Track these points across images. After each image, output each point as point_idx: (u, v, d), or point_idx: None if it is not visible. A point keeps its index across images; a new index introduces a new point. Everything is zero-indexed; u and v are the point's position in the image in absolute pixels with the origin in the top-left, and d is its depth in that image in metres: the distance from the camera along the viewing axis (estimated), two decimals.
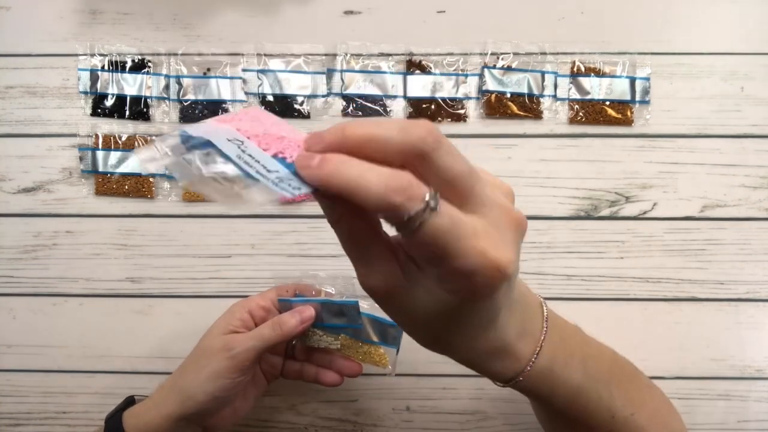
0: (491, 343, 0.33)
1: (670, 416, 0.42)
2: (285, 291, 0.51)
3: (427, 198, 0.25)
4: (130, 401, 0.49)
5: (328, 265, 0.57)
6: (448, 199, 0.27)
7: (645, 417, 0.39)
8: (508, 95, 0.58)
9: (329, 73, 0.58)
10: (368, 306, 0.50)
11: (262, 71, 0.58)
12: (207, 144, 0.29)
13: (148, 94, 0.58)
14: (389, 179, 0.25)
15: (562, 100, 0.58)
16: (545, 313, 0.37)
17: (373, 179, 0.25)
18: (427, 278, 0.29)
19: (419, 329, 0.32)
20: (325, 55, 0.58)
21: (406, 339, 0.58)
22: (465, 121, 0.58)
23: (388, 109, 0.58)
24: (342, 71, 0.58)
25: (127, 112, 0.58)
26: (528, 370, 0.35)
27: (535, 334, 0.35)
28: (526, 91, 0.58)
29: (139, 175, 0.58)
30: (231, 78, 0.58)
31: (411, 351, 0.57)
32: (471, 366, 0.35)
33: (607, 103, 0.58)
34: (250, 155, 0.29)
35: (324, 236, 0.57)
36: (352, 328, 0.49)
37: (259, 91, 0.58)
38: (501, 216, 0.28)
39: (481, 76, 0.58)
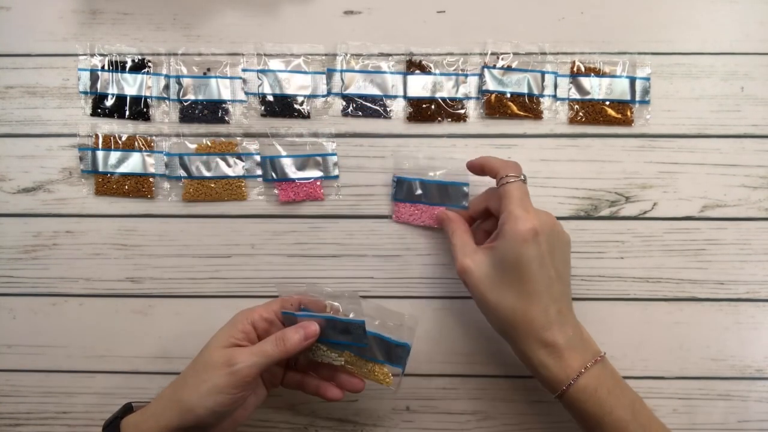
0: (537, 325, 0.45)
1: None
2: (289, 304, 0.50)
3: (522, 175, 0.49)
4: (127, 408, 0.49)
5: (327, 265, 0.57)
6: None
7: None
8: (508, 95, 0.58)
9: (329, 73, 0.58)
10: (375, 325, 0.50)
11: (262, 71, 0.58)
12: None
13: (148, 94, 0.58)
14: (506, 164, 0.51)
15: (562, 100, 0.58)
16: (600, 356, 0.46)
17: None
18: (487, 251, 0.48)
19: (488, 295, 0.47)
20: (325, 55, 0.58)
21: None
22: (465, 121, 0.58)
23: (388, 109, 0.58)
24: (342, 71, 0.58)
25: (127, 112, 0.58)
26: (573, 382, 0.44)
27: (584, 356, 0.45)
28: (526, 91, 0.58)
29: (139, 175, 0.58)
30: (231, 78, 0.58)
31: (411, 351, 0.57)
32: (526, 358, 0.46)
33: (607, 103, 0.58)
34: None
35: (324, 236, 0.57)
36: (356, 346, 0.49)
37: (259, 91, 0.58)
38: (546, 213, 0.49)
39: (481, 76, 0.58)
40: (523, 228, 0.45)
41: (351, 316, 0.49)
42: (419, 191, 0.57)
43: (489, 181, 0.52)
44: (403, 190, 0.57)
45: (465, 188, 0.56)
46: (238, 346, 0.46)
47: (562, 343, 0.45)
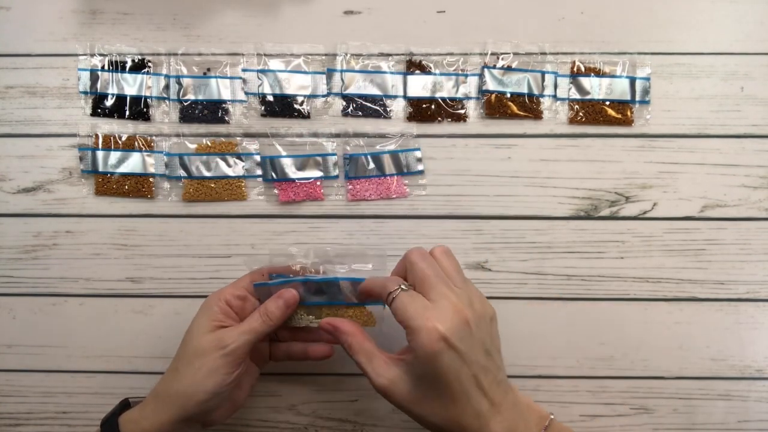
0: (473, 429, 0.42)
1: None
2: (260, 275, 0.50)
3: (403, 285, 0.44)
4: (125, 405, 0.49)
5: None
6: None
7: None
8: (508, 95, 0.58)
9: (329, 73, 0.58)
10: (345, 270, 0.50)
11: (262, 71, 0.58)
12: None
13: (148, 94, 0.58)
14: (385, 282, 0.45)
15: (562, 100, 0.58)
16: (546, 424, 0.45)
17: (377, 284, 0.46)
18: (402, 365, 0.43)
19: (416, 410, 0.43)
20: (325, 55, 0.58)
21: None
22: (465, 121, 0.58)
23: (388, 109, 0.58)
24: (342, 71, 0.58)
25: (127, 112, 0.58)
26: None
27: (531, 430, 0.44)
28: (526, 91, 0.58)
29: (139, 175, 0.58)
30: (231, 78, 0.58)
31: None
32: None
33: (607, 103, 0.58)
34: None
35: (324, 236, 0.57)
36: (333, 305, 0.49)
37: (259, 91, 0.58)
38: (448, 305, 0.42)
39: (481, 76, 0.58)
40: (428, 340, 0.40)
41: (321, 270, 0.50)
42: (371, 165, 0.57)
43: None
44: (355, 166, 0.57)
45: (417, 153, 0.57)
46: (223, 327, 0.47)
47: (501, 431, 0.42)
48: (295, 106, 0.58)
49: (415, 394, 0.42)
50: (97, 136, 0.58)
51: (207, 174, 0.57)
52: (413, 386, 0.42)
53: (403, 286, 0.44)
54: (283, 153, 0.58)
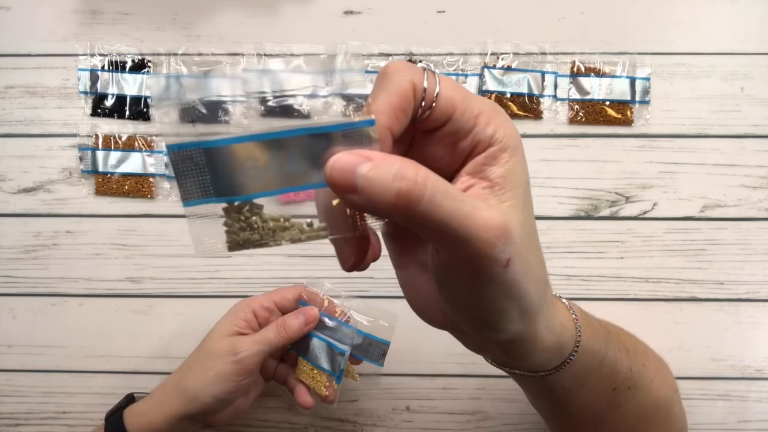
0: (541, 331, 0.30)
1: (667, 369, 0.43)
2: (296, 294, 0.50)
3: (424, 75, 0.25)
4: (130, 399, 0.50)
5: (327, 266, 0.57)
6: None
7: (651, 369, 0.39)
8: (508, 95, 0.58)
9: (329, 73, 0.58)
10: (368, 322, 0.49)
11: (263, 71, 0.58)
12: None
13: (148, 94, 0.58)
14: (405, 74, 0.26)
15: (562, 100, 0.58)
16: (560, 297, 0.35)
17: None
18: (487, 189, 0.25)
19: (530, 256, 0.26)
20: (325, 55, 0.58)
21: (401, 344, 0.58)
22: None
23: None
24: (342, 71, 0.58)
25: (127, 112, 0.58)
26: (580, 328, 0.33)
27: (569, 323, 0.33)
28: (526, 91, 0.58)
29: (139, 175, 0.58)
30: (231, 78, 0.58)
31: (411, 351, 0.57)
32: (547, 325, 0.30)
33: (607, 103, 0.58)
34: None
35: None
36: (371, 363, 0.49)
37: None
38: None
39: (481, 76, 0.58)
40: (512, 125, 0.26)
41: (347, 314, 0.49)
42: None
43: None
44: None
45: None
46: (240, 335, 0.47)
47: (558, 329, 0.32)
48: (295, 106, 0.58)
49: (527, 224, 0.26)
50: (97, 136, 0.58)
51: None
52: (521, 211, 0.25)
53: (427, 67, 0.29)
54: None
